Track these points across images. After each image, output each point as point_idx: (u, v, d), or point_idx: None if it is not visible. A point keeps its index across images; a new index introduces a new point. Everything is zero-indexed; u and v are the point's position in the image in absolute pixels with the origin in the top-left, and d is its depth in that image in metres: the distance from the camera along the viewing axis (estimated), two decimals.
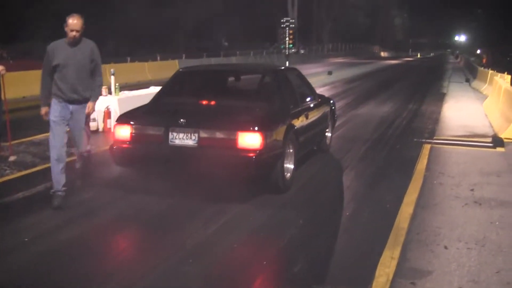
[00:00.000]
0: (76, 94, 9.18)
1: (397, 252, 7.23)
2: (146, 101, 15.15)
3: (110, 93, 16.98)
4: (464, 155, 13.65)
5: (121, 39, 67.28)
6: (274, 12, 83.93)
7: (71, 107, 9.22)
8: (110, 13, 60.48)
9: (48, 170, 9.79)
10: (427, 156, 13.26)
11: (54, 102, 9.20)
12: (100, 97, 16.07)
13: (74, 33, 9.00)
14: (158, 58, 47.39)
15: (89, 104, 9.44)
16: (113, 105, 16.36)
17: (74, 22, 9.01)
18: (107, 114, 16.21)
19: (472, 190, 10.31)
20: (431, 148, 14.24)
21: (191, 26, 75.66)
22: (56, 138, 9.15)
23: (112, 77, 17.19)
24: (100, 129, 16.32)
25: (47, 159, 11.72)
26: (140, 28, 66.84)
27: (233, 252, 7.35)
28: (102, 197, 9.80)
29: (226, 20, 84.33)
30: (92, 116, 15.74)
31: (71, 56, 9.09)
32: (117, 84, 16.99)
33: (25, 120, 18.68)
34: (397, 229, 8.09)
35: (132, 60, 43.40)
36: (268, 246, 7.65)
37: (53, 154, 9.17)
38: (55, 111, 9.15)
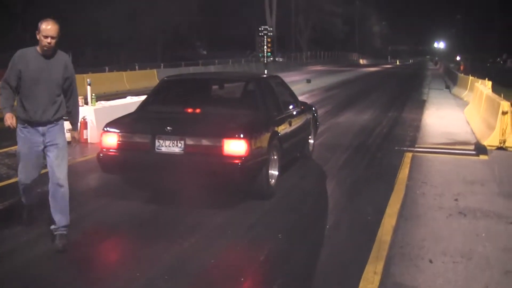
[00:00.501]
0: (46, 116, 7.75)
1: (380, 267, 6.95)
2: (123, 111, 14.93)
3: (86, 103, 16.59)
4: (446, 163, 13.42)
5: (98, 49, 67.02)
6: (252, 20, 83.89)
7: (41, 129, 7.80)
8: (86, 22, 60.02)
9: None
10: (409, 165, 13.01)
11: (19, 128, 7.76)
12: None
13: (49, 39, 7.44)
14: (137, 67, 46.96)
15: (73, 133, 8.72)
16: (90, 116, 16.00)
17: (48, 27, 7.46)
18: (83, 125, 15.84)
19: (456, 200, 10.06)
20: (413, 157, 14.00)
21: (168, 35, 75.30)
22: (29, 174, 8.02)
23: (88, 87, 16.86)
24: None
25: None
26: (117, 38, 66.42)
27: (211, 268, 7.06)
28: (79, 208, 9.45)
29: (203, 28, 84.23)
30: (68, 127, 15.56)
31: (45, 70, 7.59)
32: (93, 94, 16.65)
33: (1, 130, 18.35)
34: (380, 242, 7.81)
35: (110, 70, 42.98)
36: (247, 260, 7.37)
37: (27, 198, 8.42)
38: (21, 140, 7.83)
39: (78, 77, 32.56)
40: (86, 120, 15.90)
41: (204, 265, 7.12)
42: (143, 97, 17.94)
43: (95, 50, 69.83)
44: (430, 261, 7.14)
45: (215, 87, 12.92)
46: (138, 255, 7.47)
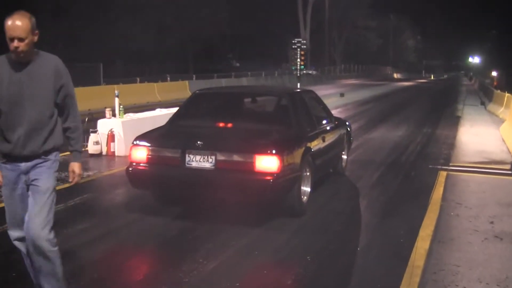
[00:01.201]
0: (31, 147, 5.65)
1: None
2: (151, 123, 14.81)
3: (114, 115, 16.39)
4: (481, 183, 13.02)
5: (129, 61, 67.13)
6: (285, 32, 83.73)
7: (23, 165, 5.71)
8: (117, 34, 60.13)
9: None
10: (443, 184, 12.64)
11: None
12: (104, 120, 15.71)
13: (15, 43, 5.41)
14: (168, 78, 46.86)
15: (73, 166, 6.26)
16: (117, 128, 15.82)
17: (13, 24, 5.42)
18: (111, 137, 15.70)
19: (491, 223, 9.69)
20: (447, 176, 13.62)
21: (199, 46, 75.25)
22: (19, 226, 5.83)
23: (116, 99, 16.66)
24: (104, 152, 15.77)
25: None
26: (148, 49, 66.49)
27: None
28: (103, 224, 9.41)
29: (235, 40, 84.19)
30: (95, 139, 15.43)
31: (25, 83, 5.57)
32: (121, 106, 16.41)
33: None
34: (412, 267, 7.46)
35: (141, 81, 42.93)
36: (273, 285, 7.06)
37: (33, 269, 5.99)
38: (3, 181, 5.77)
39: (108, 88, 32.85)
40: (114, 132, 15.73)
41: (229, 287, 6.82)
42: (173, 110, 17.81)
43: (126, 62, 69.99)
44: None
45: (247, 101, 12.67)
46: (160, 277, 7.20)
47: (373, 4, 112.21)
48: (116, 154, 15.72)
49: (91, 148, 15.65)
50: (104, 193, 11.78)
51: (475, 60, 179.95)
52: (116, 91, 16.98)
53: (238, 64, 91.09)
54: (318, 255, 8.05)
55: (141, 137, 10.06)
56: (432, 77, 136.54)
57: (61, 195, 10.80)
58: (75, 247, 8.20)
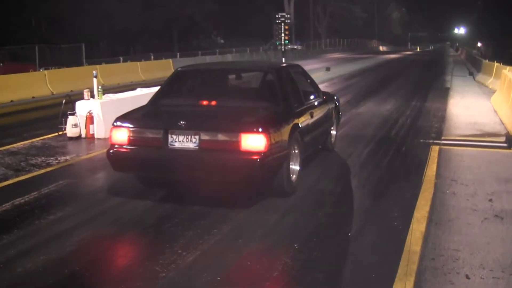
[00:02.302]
0: None
1: (410, 284, 6.09)
2: (132, 104, 14.34)
3: (92, 96, 15.74)
4: (477, 157, 12.49)
5: (113, 40, 66.50)
6: (270, 8, 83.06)
7: None
8: (101, 13, 59.40)
9: (19, 184, 9.83)
10: (436, 160, 12.09)
11: None
12: (82, 101, 15.12)
13: None
14: (152, 57, 46.16)
15: None
16: (96, 110, 15.20)
17: None
18: (90, 119, 15.09)
19: (490, 200, 9.15)
20: (440, 150, 13.08)
21: (184, 24, 74.63)
22: None
23: (95, 80, 16.00)
24: (83, 135, 15.15)
25: (21, 170, 11.50)
26: (132, 28, 65.79)
27: (217, 286, 6.21)
28: (78, 213, 8.92)
29: (220, 18, 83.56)
30: (73, 122, 14.83)
31: None
32: (100, 87, 15.75)
33: (6, 127, 17.77)
34: (408, 253, 6.90)
35: (125, 60, 42.21)
36: (258, 277, 6.43)
37: None
38: None
39: (91, 69, 32.41)
40: (92, 114, 15.10)
41: (210, 282, 6.28)
42: (154, 89, 17.23)
43: (110, 42, 69.30)
44: (467, 277, 6.26)
45: (231, 77, 12.15)
46: (135, 271, 6.67)
47: None
48: (96, 136, 15.13)
49: (70, 131, 15.04)
50: (81, 179, 11.21)
51: (460, 31, 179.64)
52: (94, 72, 16.27)
53: (222, 41, 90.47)
54: (307, 242, 7.47)
55: (121, 118, 9.67)
56: (418, 49, 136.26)
57: (36, 182, 10.72)
58: (46, 239, 7.72)
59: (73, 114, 15.13)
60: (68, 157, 12.91)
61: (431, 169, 11.25)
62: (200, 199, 9.32)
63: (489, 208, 8.73)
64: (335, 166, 12.11)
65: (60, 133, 15.52)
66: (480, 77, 34.28)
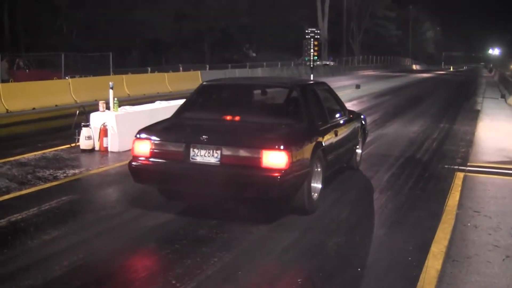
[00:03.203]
0: None
1: None
2: (148, 117, 14.04)
3: (108, 108, 15.32)
4: (502, 187, 11.84)
5: (146, 49, 66.52)
6: (305, 23, 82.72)
7: None
8: (135, 22, 59.37)
9: (20, 199, 9.68)
10: (459, 188, 11.47)
11: None
12: (97, 113, 14.73)
13: None
14: (181, 69, 45.86)
15: None
16: (111, 122, 14.79)
17: None
18: (103, 132, 14.68)
19: None
20: (465, 178, 12.46)
21: (216, 35, 74.50)
22: None
23: (111, 91, 15.51)
24: (97, 147, 14.75)
25: (26, 183, 11.20)
26: (166, 38, 65.72)
27: None
28: (75, 233, 8.50)
29: (254, 30, 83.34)
30: (87, 134, 14.43)
31: None
32: (115, 99, 15.31)
33: (22, 135, 17.50)
34: None
35: (153, 71, 41.94)
36: None
37: None
38: None
39: (115, 78, 32.08)
40: (107, 127, 14.68)
41: None
42: (173, 102, 16.83)
43: (142, 51, 69.30)
44: None
45: (256, 93, 11.96)
46: (159, 280, 6.48)
47: None
48: (109, 150, 14.73)
49: (83, 143, 14.67)
50: (85, 195, 10.76)
51: (495, 51, 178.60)
52: (110, 83, 15.75)
53: (254, 54, 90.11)
54: (313, 275, 6.95)
55: (144, 130, 9.66)
56: (451, 69, 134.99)
57: (38, 197, 10.31)
58: (35, 261, 7.29)
59: (87, 126, 14.73)
60: (77, 171, 12.51)
61: (453, 198, 10.65)
62: (218, 215, 9.31)
63: (511, 245, 8.13)
64: (354, 190, 11.56)
65: (73, 145, 15.14)
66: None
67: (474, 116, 25.76)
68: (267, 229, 8.64)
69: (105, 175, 12.33)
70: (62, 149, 14.95)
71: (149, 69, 42.29)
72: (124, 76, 34.77)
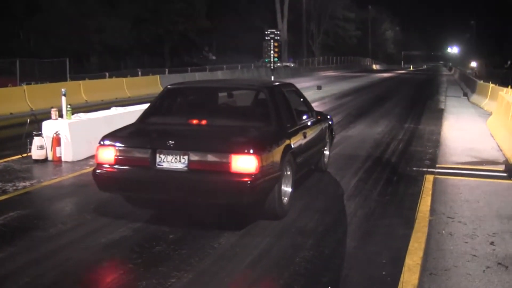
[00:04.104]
0: None
1: None
2: (104, 124, 13.43)
3: (61, 116, 14.61)
4: (475, 189, 11.36)
5: (105, 54, 65.65)
6: (264, 25, 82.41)
7: None
8: (93, 27, 58.45)
9: None
10: (430, 192, 11.00)
11: None
12: (49, 121, 14.04)
13: None
14: (139, 73, 45.11)
15: None
16: (64, 130, 14.08)
17: None
18: (56, 141, 13.98)
19: (492, 243, 8.05)
20: (435, 180, 12.00)
21: (176, 40, 73.87)
22: None
23: (63, 98, 14.78)
24: (50, 157, 14.03)
25: None
26: (124, 43, 64.86)
27: None
28: (23, 253, 7.80)
29: (213, 33, 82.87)
30: (39, 143, 13.72)
31: None
32: (68, 106, 14.60)
33: None
34: None
35: (111, 76, 41.13)
36: None
37: None
38: None
39: (71, 85, 31.33)
40: (60, 135, 13.97)
41: None
42: (130, 108, 16.18)
43: (101, 57, 68.34)
44: None
45: (222, 96, 11.91)
46: None
47: None
48: (63, 159, 14.03)
49: (35, 153, 13.95)
50: (36, 210, 10.05)
51: (453, 50, 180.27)
52: (62, 89, 15.03)
53: (214, 57, 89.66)
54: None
55: (108, 136, 9.33)
56: (411, 68, 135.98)
57: None
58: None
59: (39, 135, 14.01)
60: (27, 183, 11.80)
61: (425, 203, 10.15)
62: (186, 223, 9.01)
63: (491, 254, 7.62)
64: (321, 196, 11.02)
65: (24, 155, 14.41)
66: (474, 98, 33.30)
67: (438, 115, 25.48)
68: (230, 244, 8.06)
69: (58, 187, 11.66)
70: (13, 160, 14.23)
71: (107, 74, 41.47)
72: (81, 82, 33.98)
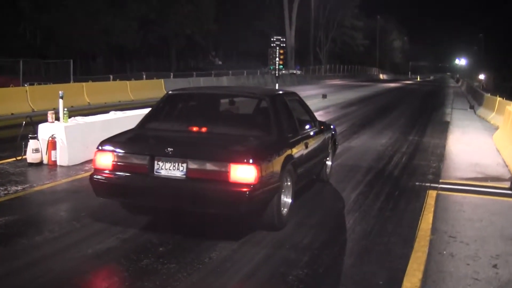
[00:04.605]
0: None
1: None
2: (102, 129, 13.31)
3: (58, 119, 14.31)
4: (478, 207, 10.99)
5: (111, 55, 65.54)
6: (272, 31, 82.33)
7: None
8: (99, 28, 58.21)
9: None
10: (432, 209, 10.63)
11: None
12: (46, 124, 13.76)
13: None
14: (144, 76, 44.87)
15: None
16: (60, 134, 13.77)
17: None
18: (52, 144, 13.67)
19: (495, 266, 7.69)
20: (437, 197, 11.64)
21: (182, 43, 73.71)
22: None
23: (60, 101, 14.42)
24: (45, 161, 13.71)
25: None
26: (130, 45, 64.68)
27: None
28: (12, 260, 7.56)
29: (220, 37, 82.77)
30: (34, 146, 13.42)
31: None
32: (65, 109, 14.28)
33: None
34: None
35: (115, 78, 40.89)
36: None
37: None
38: None
39: (74, 86, 31.11)
40: (55, 139, 13.66)
41: None
42: (129, 113, 15.88)
43: (107, 58, 68.21)
44: None
45: (224, 103, 11.60)
46: None
47: (361, 4, 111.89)
48: (58, 163, 13.72)
49: (30, 156, 13.65)
50: (25, 216, 9.67)
51: (461, 62, 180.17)
52: (60, 92, 14.67)
53: (220, 62, 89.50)
54: None
55: (106, 141, 9.17)
56: (418, 79, 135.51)
57: None
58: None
59: (35, 137, 13.71)
60: (19, 188, 11.50)
61: (426, 221, 9.79)
62: (181, 232, 8.80)
63: (494, 277, 7.27)
64: (319, 210, 10.66)
65: (19, 158, 14.10)
66: (481, 111, 32.89)
67: (444, 128, 25.10)
68: (221, 258, 7.73)
69: (50, 192, 11.35)
70: (8, 163, 13.92)
71: (111, 76, 41.24)
72: (84, 84, 33.75)
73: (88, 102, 32.01)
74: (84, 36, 56.26)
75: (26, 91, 28.62)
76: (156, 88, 39.00)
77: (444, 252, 8.24)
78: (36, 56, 42.93)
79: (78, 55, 52.64)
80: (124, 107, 25.39)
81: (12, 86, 30.41)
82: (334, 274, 7.43)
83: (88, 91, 32.84)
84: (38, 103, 27.98)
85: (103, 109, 20.30)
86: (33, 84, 31.96)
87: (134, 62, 71.22)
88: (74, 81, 38.67)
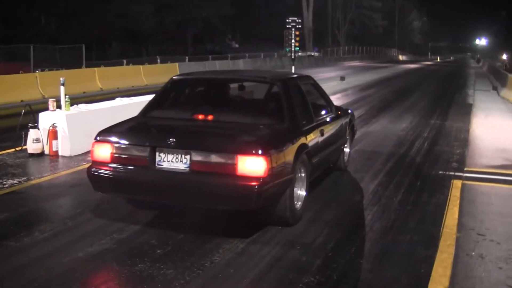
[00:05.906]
0: None
1: None
2: (105, 116, 12.94)
3: (59, 107, 13.59)
4: (508, 199, 10.16)
5: (127, 40, 64.99)
6: (288, 13, 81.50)
7: None
8: (115, 12, 57.56)
9: None
10: (458, 202, 9.78)
11: None
12: (47, 112, 13.14)
13: None
14: (159, 60, 44.14)
15: None
16: (61, 123, 13.11)
17: None
18: (53, 134, 13.00)
19: None
20: (463, 187, 10.79)
21: (199, 26, 73.07)
22: None
23: (62, 87, 13.72)
24: (46, 151, 13.03)
25: None
26: (146, 29, 64.01)
27: None
28: (18, 252, 7.27)
29: (237, 20, 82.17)
30: (35, 136, 12.72)
31: None
32: (67, 96, 13.55)
33: None
34: None
35: (128, 63, 40.22)
36: None
37: None
38: None
39: (87, 71, 30.55)
40: (56, 128, 12.98)
41: None
42: (136, 99, 15.17)
43: (123, 42, 67.59)
44: None
45: (233, 88, 10.92)
46: None
47: None
48: (60, 154, 13.07)
49: (30, 146, 13.00)
50: (17, 213, 8.95)
51: (482, 42, 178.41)
52: (61, 79, 13.93)
53: (237, 46, 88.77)
54: None
55: (104, 132, 8.63)
56: (438, 59, 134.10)
57: None
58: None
59: (35, 127, 13.01)
60: (15, 181, 10.84)
61: (451, 216, 8.95)
62: (184, 230, 8.16)
63: None
64: (333, 204, 9.82)
65: (19, 148, 13.42)
66: (505, 92, 31.85)
67: (467, 110, 24.17)
68: (223, 262, 7.00)
69: (47, 186, 10.66)
70: (8, 153, 13.27)
71: (125, 61, 40.58)
72: (96, 69, 33.07)
73: (100, 88, 31.39)
74: (100, 22, 55.64)
75: (36, 77, 27.98)
76: (170, 72, 38.07)
77: (473, 253, 7.41)
78: (51, 42, 42.28)
79: (93, 41, 51.96)
80: (137, 92, 24.68)
81: (21, 73, 29.77)
82: (350, 281, 6.62)
83: (100, 76, 32.21)
84: (48, 89, 27.34)
85: (116, 95, 19.65)
86: (43, 70, 31.31)
87: (150, 47, 70.64)
88: (89, 66, 37.96)
